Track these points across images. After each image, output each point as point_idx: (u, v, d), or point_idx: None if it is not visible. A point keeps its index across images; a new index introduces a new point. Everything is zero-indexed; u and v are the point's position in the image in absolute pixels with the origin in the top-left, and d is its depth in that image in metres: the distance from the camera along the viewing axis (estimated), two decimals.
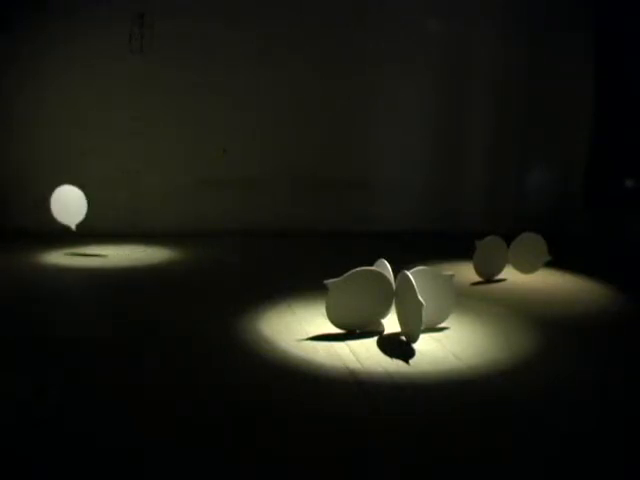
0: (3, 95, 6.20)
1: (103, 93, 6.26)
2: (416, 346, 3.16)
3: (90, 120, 6.26)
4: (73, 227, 5.38)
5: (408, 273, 3.20)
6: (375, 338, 3.31)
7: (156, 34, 6.23)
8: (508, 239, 4.71)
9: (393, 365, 2.93)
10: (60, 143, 6.25)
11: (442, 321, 3.47)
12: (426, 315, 3.09)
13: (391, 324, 3.42)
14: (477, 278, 4.62)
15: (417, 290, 3.06)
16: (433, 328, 3.40)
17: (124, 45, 6.21)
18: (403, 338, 3.29)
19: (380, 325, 3.46)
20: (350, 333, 3.35)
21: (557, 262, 4.84)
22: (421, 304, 3.02)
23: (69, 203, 5.34)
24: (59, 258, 5.22)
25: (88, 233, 5.62)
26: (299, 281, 4.46)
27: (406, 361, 2.97)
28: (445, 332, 3.42)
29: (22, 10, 6.03)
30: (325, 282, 3.32)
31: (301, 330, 3.42)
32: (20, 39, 6.10)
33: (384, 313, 3.44)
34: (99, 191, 5.89)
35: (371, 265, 3.49)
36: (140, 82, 6.31)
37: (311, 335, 3.33)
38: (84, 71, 6.21)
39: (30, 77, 6.18)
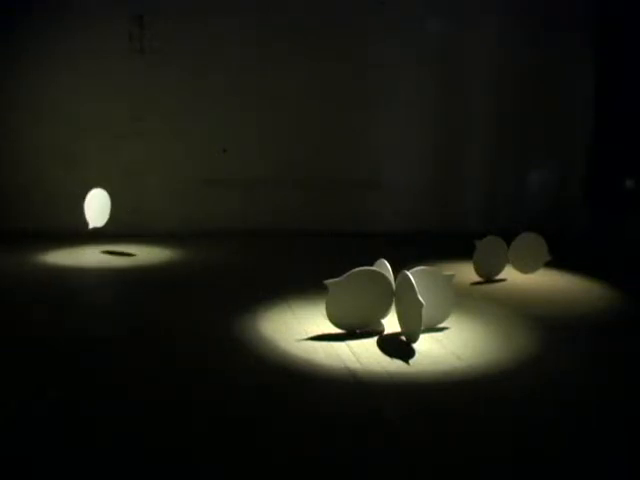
0: (3, 96, 6.19)
1: (103, 93, 6.25)
2: (416, 346, 3.16)
3: (90, 120, 6.25)
4: (99, 225, 5.53)
5: (408, 273, 3.20)
6: (375, 338, 3.31)
7: (156, 34, 6.22)
8: (508, 239, 4.71)
9: (393, 365, 2.93)
10: (60, 143, 6.24)
11: (442, 321, 3.47)
12: (426, 315, 3.09)
13: (391, 324, 3.42)
14: (477, 278, 4.61)
15: (417, 290, 3.06)
16: (433, 328, 3.40)
17: (124, 45, 6.21)
18: (403, 338, 3.29)
19: (380, 325, 3.46)
20: (350, 333, 3.35)
21: (557, 262, 4.84)
22: (421, 304, 3.02)
23: (96, 205, 5.52)
24: (58, 258, 5.22)
25: (86, 233, 5.61)
26: (299, 281, 4.45)
27: (406, 361, 2.97)
28: (445, 332, 3.41)
29: (22, 10, 6.02)
30: (325, 282, 3.32)
31: (301, 330, 3.41)
32: (20, 39, 6.09)
33: (384, 313, 3.44)
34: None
35: (371, 265, 3.49)
36: (140, 82, 6.30)
37: (311, 335, 3.33)
38: (84, 71, 6.20)
39: (30, 77, 6.17)
